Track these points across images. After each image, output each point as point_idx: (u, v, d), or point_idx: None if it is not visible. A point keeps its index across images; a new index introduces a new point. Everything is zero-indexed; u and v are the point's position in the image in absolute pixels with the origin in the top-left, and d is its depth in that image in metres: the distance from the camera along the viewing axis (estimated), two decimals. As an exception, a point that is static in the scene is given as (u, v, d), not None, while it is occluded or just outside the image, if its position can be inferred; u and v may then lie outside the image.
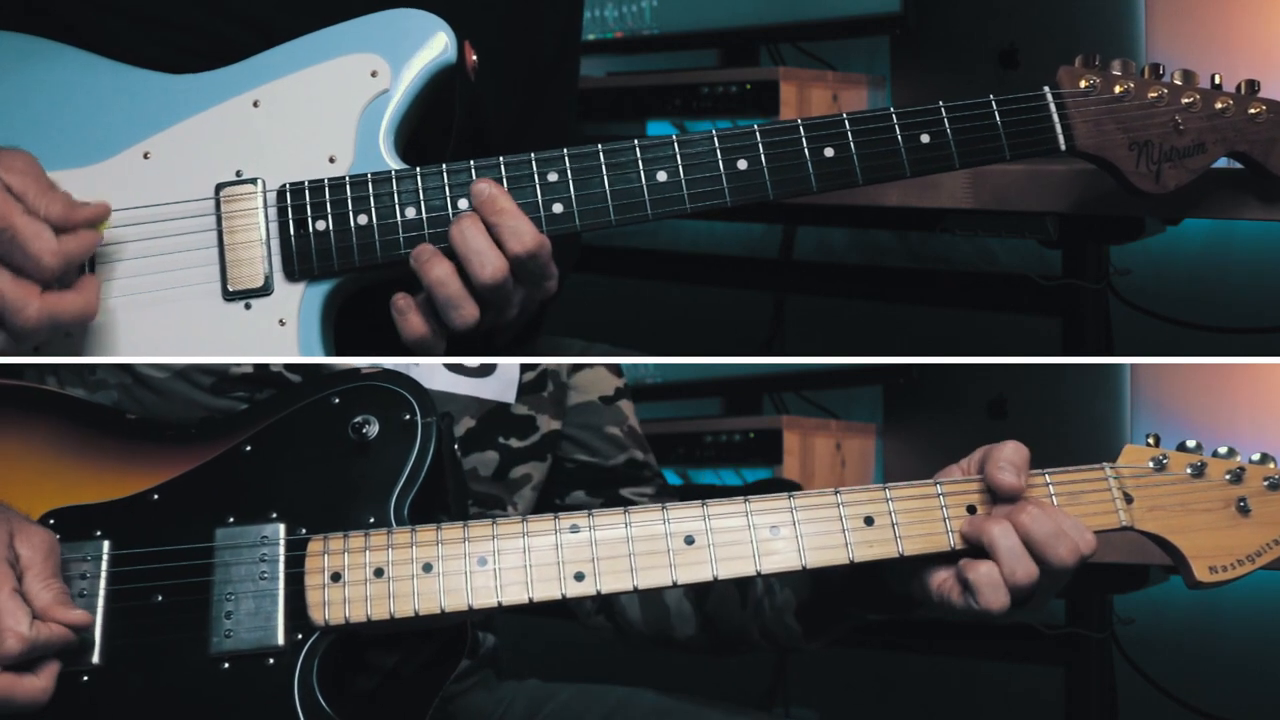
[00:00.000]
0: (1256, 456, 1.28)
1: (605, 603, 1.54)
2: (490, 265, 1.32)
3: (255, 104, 1.39)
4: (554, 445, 1.55)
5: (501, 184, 1.36)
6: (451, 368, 1.45)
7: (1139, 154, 1.46)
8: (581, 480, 1.57)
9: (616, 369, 1.63)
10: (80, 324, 1.29)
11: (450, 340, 1.37)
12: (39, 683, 1.15)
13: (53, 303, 1.24)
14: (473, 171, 1.37)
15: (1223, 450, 1.28)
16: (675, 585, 1.21)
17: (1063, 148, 1.45)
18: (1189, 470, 1.27)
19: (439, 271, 1.33)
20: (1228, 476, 1.27)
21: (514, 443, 1.49)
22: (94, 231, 1.28)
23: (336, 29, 1.40)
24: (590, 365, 1.60)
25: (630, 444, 1.59)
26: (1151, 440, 1.29)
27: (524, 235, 1.33)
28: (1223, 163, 1.53)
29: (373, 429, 1.26)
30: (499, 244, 1.33)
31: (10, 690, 1.15)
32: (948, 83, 2.28)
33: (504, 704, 1.54)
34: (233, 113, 1.38)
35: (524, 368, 1.51)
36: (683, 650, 1.51)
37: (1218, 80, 1.48)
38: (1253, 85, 1.48)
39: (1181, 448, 1.28)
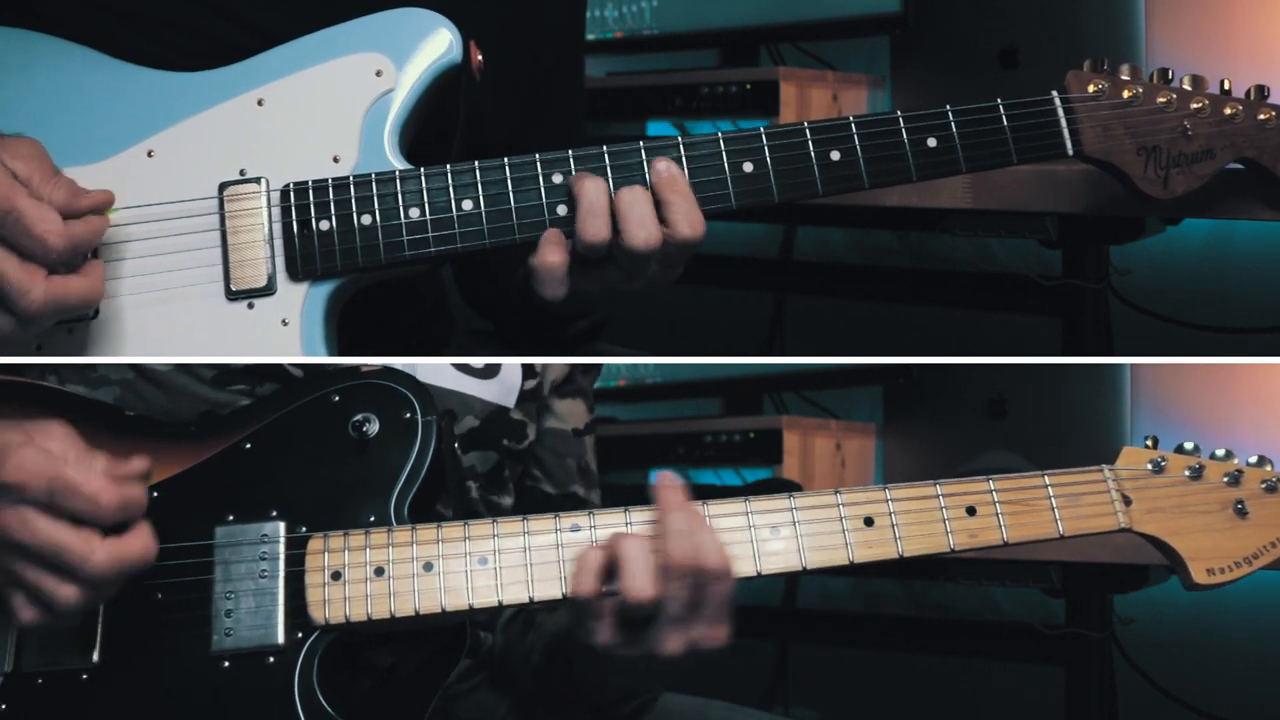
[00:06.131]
0: (1254, 459, 1.29)
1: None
2: (646, 232, 1.34)
3: (259, 103, 1.38)
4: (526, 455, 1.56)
5: (507, 184, 1.36)
6: (458, 367, 1.45)
7: (1147, 159, 1.44)
8: (524, 503, 1.56)
9: (591, 404, 1.63)
10: (85, 308, 1.29)
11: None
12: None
13: (58, 286, 1.24)
14: (478, 172, 1.37)
15: (1220, 453, 1.28)
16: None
17: (1070, 152, 1.44)
18: (1187, 472, 1.28)
19: (591, 186, 1.35)
20: (1225, 479, 1.28)
21: (513, 446, 1.50)
22: (103, 218, 1.28)
23: (341, 28, 1.40)
24: (573, 394, 1.59)
25: (580, 480, 1.59)
26: (1150, 442, 1.29)
27: (696, 222, 1.35)
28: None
29: (373, 427, 1.25)
30: (665, 222, 1.35)
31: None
32: (948, 83, 2.28)
33: (504, 704, 1.54)
34: (237, 111, 1.38)
35: (525, 375, 1.51)
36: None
37: (1226, 85, 1.47)
38: (1262, 91, 1.47)
39: (1180, 450, 1.29)
